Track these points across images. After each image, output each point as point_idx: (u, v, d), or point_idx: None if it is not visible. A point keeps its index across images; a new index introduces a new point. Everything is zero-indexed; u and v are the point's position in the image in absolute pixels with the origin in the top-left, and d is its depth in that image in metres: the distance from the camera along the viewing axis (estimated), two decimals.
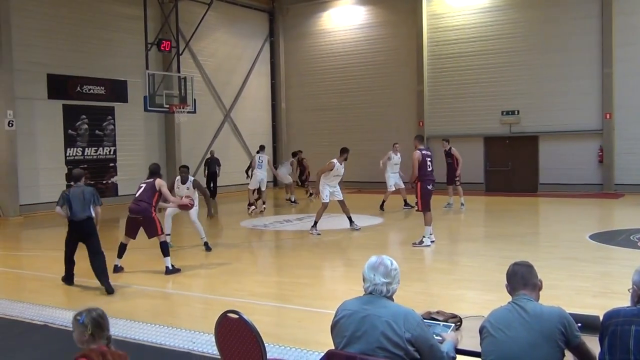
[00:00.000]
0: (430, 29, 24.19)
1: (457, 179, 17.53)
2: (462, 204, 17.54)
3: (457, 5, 23.56)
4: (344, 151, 14.24)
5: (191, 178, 11.91)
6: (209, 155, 23.15)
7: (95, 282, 9.09)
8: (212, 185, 22.46)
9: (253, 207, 17.80)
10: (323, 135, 26.46)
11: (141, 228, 9.98)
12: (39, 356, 6.18)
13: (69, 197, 8.88)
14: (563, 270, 9.25)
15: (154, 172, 10.47)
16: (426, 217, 11.74)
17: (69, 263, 9.15)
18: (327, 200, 13.85)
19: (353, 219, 14.07)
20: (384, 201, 17.49)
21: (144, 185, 10.17)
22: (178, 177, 12.15)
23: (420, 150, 11.95)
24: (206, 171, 22.91)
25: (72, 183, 9.58)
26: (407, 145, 24.55)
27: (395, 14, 25.18)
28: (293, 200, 20.26)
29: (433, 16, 24.14)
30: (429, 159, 11.89)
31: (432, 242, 11.69)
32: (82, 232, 8.92)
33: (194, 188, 11.79)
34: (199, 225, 11.87)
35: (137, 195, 10.09)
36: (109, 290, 8.55)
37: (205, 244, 11.89)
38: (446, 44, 23.82)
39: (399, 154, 18.12)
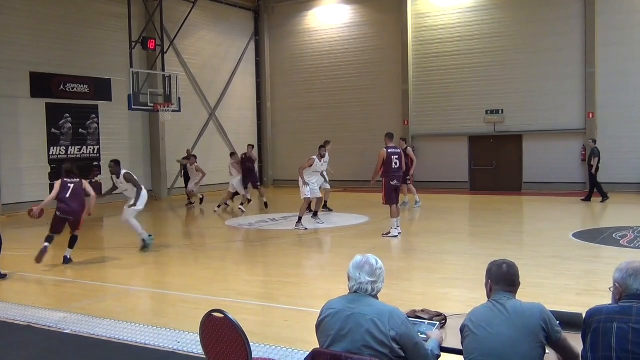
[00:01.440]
0: (415, 28, 24.27)
1: (409, 178, 17.35)
2: (416, 202, 17.79)
3: (442, 4, 23.65)
4: (320, 147, 15.14)
5: (123, 171, 11.59)
6: (184, 155, 22.20)
7: (82, 283, 9.05)
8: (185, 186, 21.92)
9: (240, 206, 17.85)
10: (308, 133, 26.44)
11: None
12: (23, 356, 6.12)
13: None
14: (547, 268, 9.32)
15: (72, 171, 10.86)
16: (391, 209, 12.49)
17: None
18: (309, 196, 14.50)
19: (319, 216, 15.08)
20: (325, 201, 17.18)
21: (71, 186, 10.49)
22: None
23: (387, 148, 12.50)
24: (182, 172, 22.13)
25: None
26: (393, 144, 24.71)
27: (380, 13, 25.23)
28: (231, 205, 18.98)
29: (418, 15, 24.22)
30: (396, 157, 12.45)
31: (399, 233, 12.53)
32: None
33: (127, 182, 11.51)
34: (135, 224, 11.57)
35: (67, 195, 10.41)
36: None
37: (143, 241, 11.58)
38: (431, 43, 23.91)
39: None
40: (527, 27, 22.00)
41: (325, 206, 17.03)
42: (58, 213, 10.46)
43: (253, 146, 20.41)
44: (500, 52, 22.45)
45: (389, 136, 12.89)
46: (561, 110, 21.51)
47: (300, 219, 14.13)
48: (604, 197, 18.17)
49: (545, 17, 21.60)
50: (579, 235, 12.27)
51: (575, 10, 21.13)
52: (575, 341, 3.47)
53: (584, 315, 3.49)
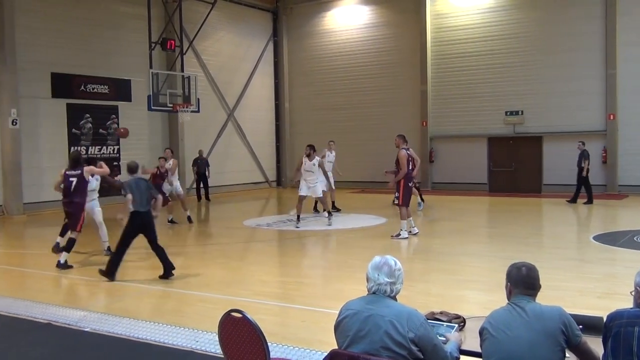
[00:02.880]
0: (434, 28, 24.19)
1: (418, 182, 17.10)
2: (419, 203, 17.46)
3: (462, 5, 23.54)
4: (307, 145, 15.16)
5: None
6: (197, 155, 22.32)
7: (102, 282, 9.14)
8: (202, 186, 21.99)
9: None
10: (326, 134, 26.37)
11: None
12: (43, 354, 6.19)
13: (133, 187, 8.99)
14: (567, 271, 9.25)
15: (77, 160, 10.78)
16: (402, 211, 12.46)
17: (120, 256, 9.13)
18: (302, 194, 14.73)
19: (330, 217, 15.04)
20: (333, 202, 17.02)
21: (73, 180, 10.32)
22: None
23: (405, 149, 12.53)
24: (195, 172, 22.10)
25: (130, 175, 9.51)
26: (411, 145, 24.64)
27: (399, 14, 25.18)
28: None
29: (437, 16, 24.13)
30: (411, 158, 12.58)
31: (412, 234, 12.69)
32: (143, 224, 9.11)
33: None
34: (104, 229, 11.31)
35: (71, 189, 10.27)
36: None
37: (108, 248, 11.08)
38: (450, 43, 23.81)
39: (333, 152, 17.71)
40: (547, 28, 21.83)
41: (333, 206, 16.98)
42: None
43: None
44: (520, 52, 22.29)
45: (402, 137, 12.85)
46: (582, 112, 21.31)
47: (298, 217, 14.70)
48: (590, 200, 18.16)
49: (566, 17, 21.42)
50: (599, 238, 12.14)
51: (596, 11, 20.93)
52: (595, 345, 3.44)
53: (604, 319, 3.46)
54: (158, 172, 15.14)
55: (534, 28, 22.10)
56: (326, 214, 15.18)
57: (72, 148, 20.00)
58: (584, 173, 18.20)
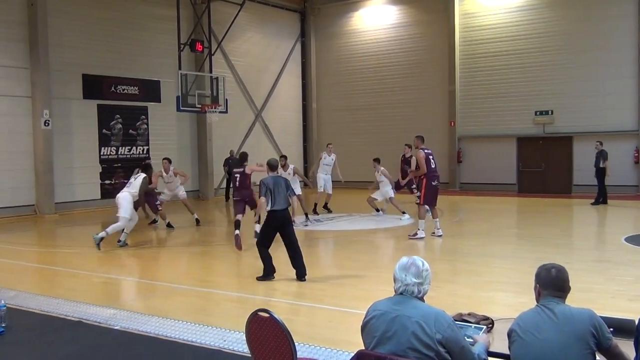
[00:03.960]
0: (462, 28, 24.02)
1: (414, 186, 16.33)
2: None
3: (490, 4, 23.34)
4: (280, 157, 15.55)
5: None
6: (227, 155, 22.40)
7: (131, 281, 9.24)
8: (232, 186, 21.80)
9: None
10: (354, 135, 26.46)
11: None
12: (74, 351, 6.28)
13: (272, 187, 8.93)
14: (598, 273, 9.11)
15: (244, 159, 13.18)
16: (421, 210, 12.54)
17: (268, 257, 9.15)
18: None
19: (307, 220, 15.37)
20: (315, 204, 17.07)
21: (238, 176, 12.82)
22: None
23: (423, 149, 12.58)
24: (226, 172, 22.12)
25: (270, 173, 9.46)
26: (436, 145, 24.51)
27: (427, 13, 25.05)
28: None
29: (465, 15, 23.96)
30: (432, 157, 12.66)
31: (435, 235, 12.63)
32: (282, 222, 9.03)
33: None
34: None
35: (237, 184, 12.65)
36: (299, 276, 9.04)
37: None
38: (478, 43, 23.62)
39: (333, 155, 17.46)
40: (577, 27, 21.53)
41: (325, 206, 17.32)
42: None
43: (170, 160, 16.02)
44: (550, 52, 22.02)
45: (420, 138, 12.90)
46: (613, 111, 20.97)
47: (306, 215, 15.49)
48: (604, 200, 18.05)
49: (597, 16, 21.10)
50: (631, 240, 11.93)
51: (628, 10, 20.59)
52: (627, 348, 3.38)
53: (636, 322, 3.40)
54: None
55: (564, 27, 21.81)
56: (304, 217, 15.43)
57: (103, 148, 20.31)
58: (608, 172, 18.09)
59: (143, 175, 12.55)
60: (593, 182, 18.68)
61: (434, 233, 12.70)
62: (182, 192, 15.88)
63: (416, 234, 12.49)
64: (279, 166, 9.97)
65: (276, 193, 8.90)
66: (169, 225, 15.10)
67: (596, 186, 18.51)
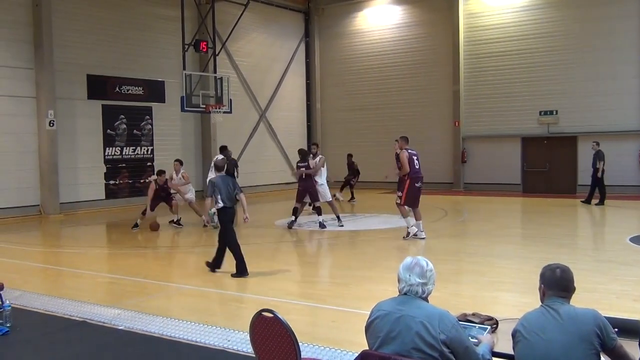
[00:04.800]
0: (466, 28, 23.99)
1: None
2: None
3: (495, 4, 23.31)
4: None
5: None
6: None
7: (135, 281, 9.25)
8: None
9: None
10: (358, 135, 26.46)
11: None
12: (79, 351, 6.29)
13: (220, 186, 9.47)
14: (602, 273, 9.09)
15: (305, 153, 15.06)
16: (402, 210, 12.44)
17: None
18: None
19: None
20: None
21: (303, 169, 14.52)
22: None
23: (407, 150, 12.44)
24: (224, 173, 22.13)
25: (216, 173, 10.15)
26: (441, 145, 24.50)
27: (431, 13, 25.03)
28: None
29: (470, 15, 23.93)
30: (415, 158, 12.44)
31: (418, 237, 12.31)
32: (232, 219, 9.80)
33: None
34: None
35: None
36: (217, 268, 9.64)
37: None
38: (483, 43, 23.59)
39: (318, 157, 16.55)
40: (582, 27, 21.48)
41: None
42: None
43: (181, 162, 16.50)
44: (554, 51, 21.97)
45: (405, 139, 12.77)
46: (618, 111, 20.92)
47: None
48: (602, 201, 18.05)
49: (600, 16, 21.04)
50: (636, 240, 11.89)
51: (632, 10, 20.53)
52: (631, 349, 3.37)
53: None
54: (157, 186, 15.16)
55: (568, 27, 21.76)
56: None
57: (107, 148, 20.34)
58: (599, 174, 18.10)
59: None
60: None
61: (416, 235, 12.40)
62: (190, 195, 15.95)
63: (409, 233, 12.39)
64: (224, 167, 10.40)
65: (224, 192, 9.43)
66: (172, 222, 15.38)
67: (594, 186, 18.52)
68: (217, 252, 9.68)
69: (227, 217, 9.54)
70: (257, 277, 9.54)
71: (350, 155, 21.88)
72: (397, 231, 14.11)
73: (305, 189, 14.61)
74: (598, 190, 18.20)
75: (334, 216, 15.01)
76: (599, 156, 18.23)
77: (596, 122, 21.23)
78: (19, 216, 17.63)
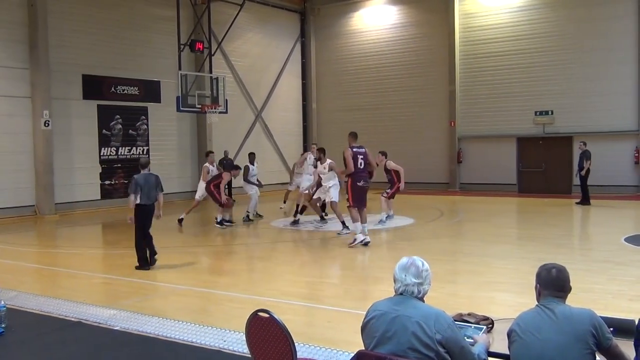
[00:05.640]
0: (462, 28, 24.02)
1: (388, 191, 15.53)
2: (385, 217, 15.31)
3: (490, 4, 23.34)
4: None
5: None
6: (222, 156, 21.88)
7: (131, 281, 9.23)
8: (226, 188, 21.78)
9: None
10: None
11: None
12: (74, 352, 6.28)
13: (142, 183, 9.85)
14: (598, 273, 9.10)
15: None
16: (352, 213, 11.88)
17: (141, 249, 10.08)
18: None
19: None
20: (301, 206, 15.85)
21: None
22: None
23: (352, 147, 12.01)
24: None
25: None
26: (436, 146, 24.53)
27: (427, 14, 25.05)
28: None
29: (465, 15, 23.96)
30: (361, 157, 11.88)
31: (366, 242, 11.77)
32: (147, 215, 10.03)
33: None
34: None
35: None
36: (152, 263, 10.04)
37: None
38: (479, 43, 23.63)
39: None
40: (577, 27, 21.52)
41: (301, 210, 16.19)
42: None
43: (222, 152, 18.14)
44: (550, 52, 22.01)
45: (353, 135, 12.44)
46: (613, 111, 20.97)
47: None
48: (587, 201, 18.16)
49: (597, 16, 21.09)
50: (631, 240, 11.92)
51: (628, 9, 20.60)
52: (627, 348, 3.38)
53: (636, 322, 3.40)
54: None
55: (564, 27, 21.80)
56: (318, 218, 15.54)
57: (103, 149, 20.31)
58: (583, 173, 18.24)
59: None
60: (592, 183, 18.69)
61: (362, 241, 11.79)
62: (199, 193, 16.06)
63: (355, 240, 11.84)
64: (147, 165, 10.45)
65: (145, 189, 9.86)
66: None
67: (600, 186, 18.61)
68: (143, 256, 10.06)
69: (141, 213, 9.94)
70: (253, 277, 9.54)
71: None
72: (395, 231, 14.12)
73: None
74: (582, 190, 18.30)
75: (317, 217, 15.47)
76: (585, 155, 18.32)
77: (591, 122, 21.28)
78: (14, 216, 17.58)
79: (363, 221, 11.96)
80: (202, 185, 15.89)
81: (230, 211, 15.66)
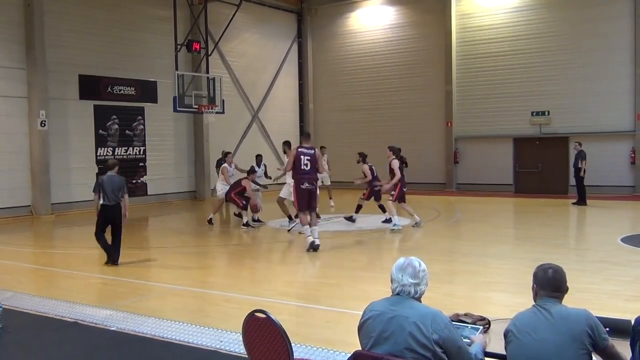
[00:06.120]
0: (459, 28, 24.05)
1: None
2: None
3: (487, 4, 23.37)
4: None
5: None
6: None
7: (128, 282, 9.22)
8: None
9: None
10: (351, 135, 26.45)
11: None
12: (70, 352, 6.27)
13: (105, 184, 10.15)
14: (594, 273, 9.12)
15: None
16: (301, 217, 11.72)
17: (106, 244, 10.50)
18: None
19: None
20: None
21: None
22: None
23: (298, 147, 11.77)
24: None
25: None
26: (433, 146, 24.54)
27: (424, 14, 25.07)
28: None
29: (462, 16, 23.98)
30: (307, 158, 11.53)
31: (315, 246, 11.44)
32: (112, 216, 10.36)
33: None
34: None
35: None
36: (115, 262, 10.36)
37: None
38: (475, 43, 23.65)
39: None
40: (574, 28, 21.56)
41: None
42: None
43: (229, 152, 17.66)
44: (547, 52, 22.04)
45: (305, 136, 12.25)
46: (610, 112, 21.01)
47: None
48: (583, 201, 18.22)
49: (593, 16, 21.12)
50: (627, 240, 11.95)
51: (625, 10, 20.63)
52: (623, 348, 3.38)
53: (632, 322, 3.40)
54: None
55: (561, 27, 21.84)
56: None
57: (99, 149, 20.28)
58: (581, 173, 18.28)
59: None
60: (588, 183, 18.75)
61: (312, 245, 11.48)
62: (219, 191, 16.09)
63: (308, 243, 11.59)
64: (115, 166, 10.69)
65: (108, 190, 10.22)
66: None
67: (596, 186, 18.65)
68: (106, 248, 10.50)
69: (105, 213, 10.31)
70: (250, 278, 9.54)
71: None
72: (392, 232, 14.11)
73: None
74: (577, 190, 18.34)
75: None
76: (581, 156, 18.39)
77: (588, 122, 21.32)
78: (10, 217, 17.54)
79: (312, 224, 11.62)
80: (219, 185, 15.97)
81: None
